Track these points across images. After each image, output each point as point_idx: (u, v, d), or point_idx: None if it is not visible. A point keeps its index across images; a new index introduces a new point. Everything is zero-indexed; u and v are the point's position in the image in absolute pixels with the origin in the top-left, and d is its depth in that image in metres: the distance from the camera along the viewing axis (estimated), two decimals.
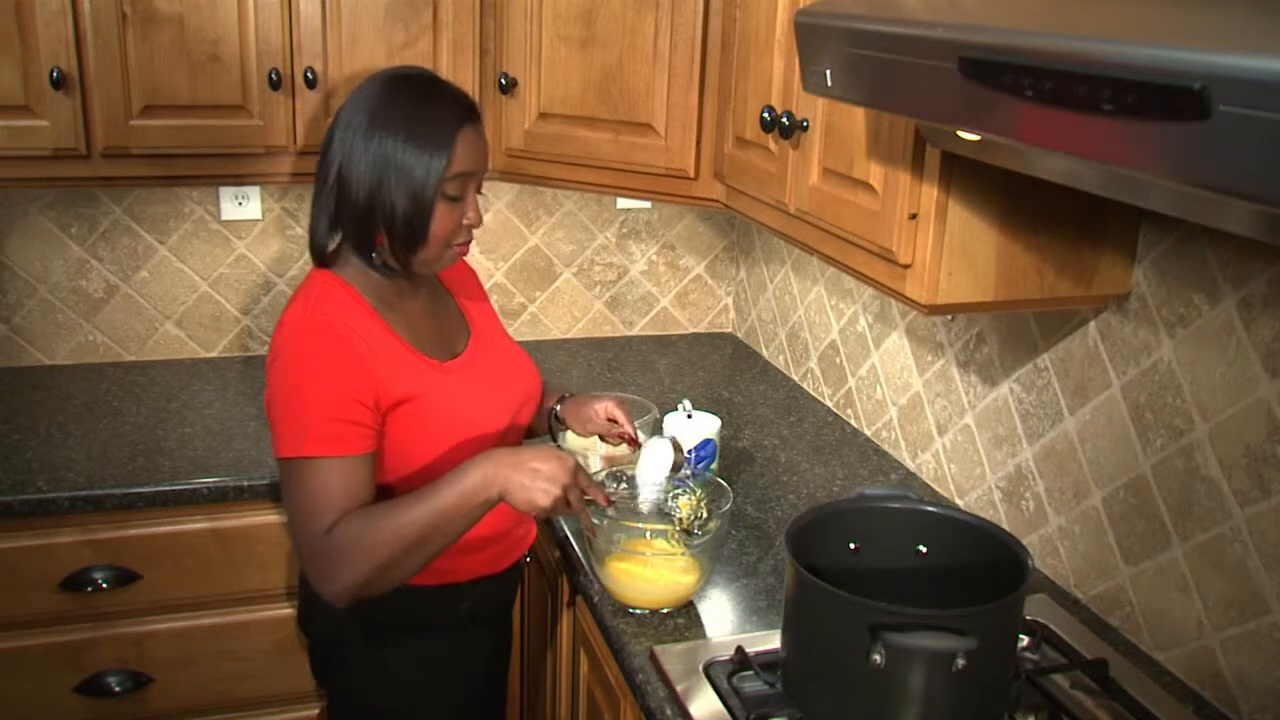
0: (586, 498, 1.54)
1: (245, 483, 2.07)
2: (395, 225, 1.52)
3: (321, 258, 1.60)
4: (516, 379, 1.77)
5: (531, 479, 1.47)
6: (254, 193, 2.60)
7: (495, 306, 2.80)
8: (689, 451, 1.95)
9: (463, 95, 1.59)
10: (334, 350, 1.50)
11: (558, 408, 1.85)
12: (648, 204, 2.86)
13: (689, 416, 1.97)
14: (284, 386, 1.51)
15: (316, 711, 2.26)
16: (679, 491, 1.87)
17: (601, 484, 1.79)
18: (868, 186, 1.59)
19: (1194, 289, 1.51)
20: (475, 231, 1.63)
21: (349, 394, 1.50)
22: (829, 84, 1.30)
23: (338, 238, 1.60)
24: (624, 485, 1.83)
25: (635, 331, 2.99)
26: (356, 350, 1.52)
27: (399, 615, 1.67)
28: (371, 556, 1.44)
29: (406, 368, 1.58)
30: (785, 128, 1.77)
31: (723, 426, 2.03)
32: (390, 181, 1.50)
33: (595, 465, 1.96)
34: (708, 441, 1.96)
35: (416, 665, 1.71)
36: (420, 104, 1.53)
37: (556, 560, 1.97)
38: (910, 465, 2.21)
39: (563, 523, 1.93)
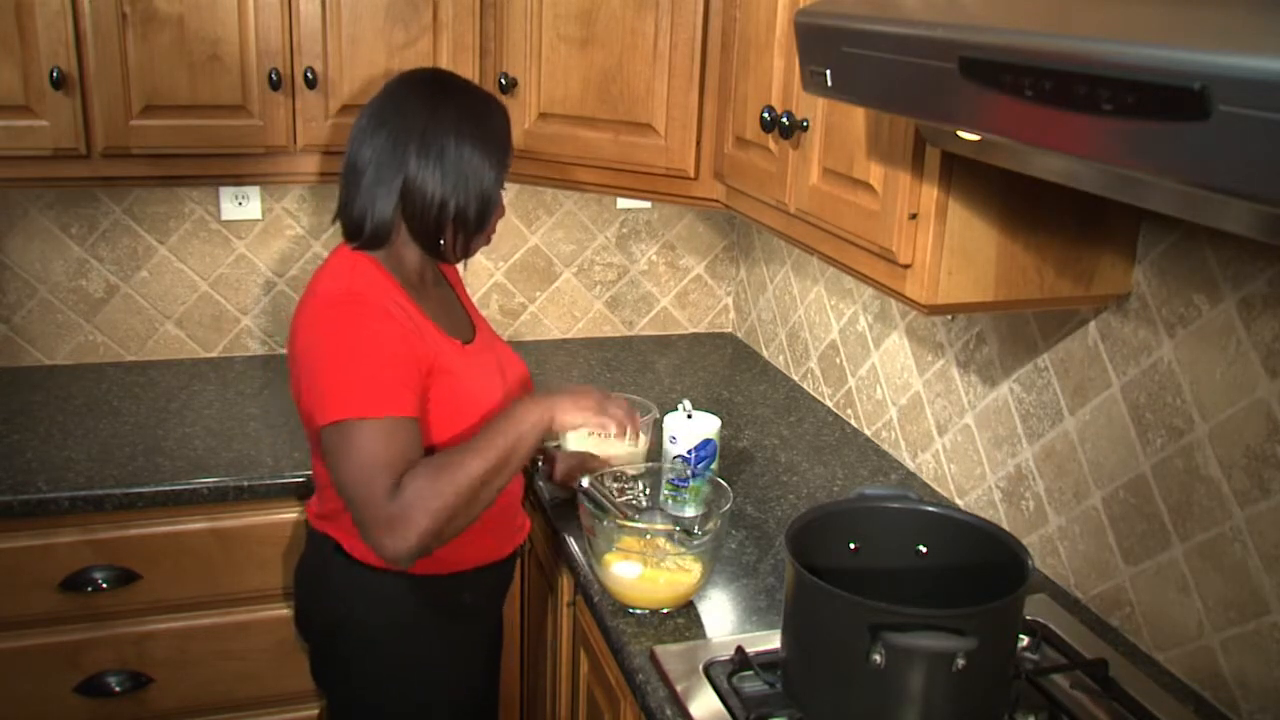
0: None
1: (245, 483, 2.07)
2: (468, 219, 1.66)
3: (379, 242, 1.66)
4: (513, 371, 1.84)
5: (573, 395, 1.65)
6: (254, 193, 2.60)
7: (495, 306, 2.83)
8: (689, 451, 1.95)
9: (490, 93, 1.73)
10: (381, 317, 1.56)
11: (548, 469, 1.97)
12: (648, 204, 2.86)
13: (689, 416, 1.97)
14: (330, 352, 1.54)
15: (316, 711, 2.26)
16: (682, 489, 1.87)
17: (603, 483, 1.80)
18: (868, 186, 1.59)
19: (1194, 289, 1.51)
20: None
21: (398, 357, 1.55)
22: (829, 84, 1.29)
23: (401, 229, 1.67)
24: (624, 485, 1.84)
25: (635, 331, 2.99)
26: (399, 318, 1.58)
27: (401, 610, 1.68)
28: (444, 503, 1.48)
29: (437, 344, 1.64)
30: (785, 128, 1.76)
31: (723, 426, 2.02)
32: (468, 185, 1.63)
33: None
34: (708, 441, 1.96)
35: (417, 663, 1.72)
36: (478, 108, 1.67)
37: (556, 559, 1.97)
38: (910, 465, 2.21)
39: (563, 522, 1.93)
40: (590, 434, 1.91)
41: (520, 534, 1.85)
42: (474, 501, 1.52)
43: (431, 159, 1.61)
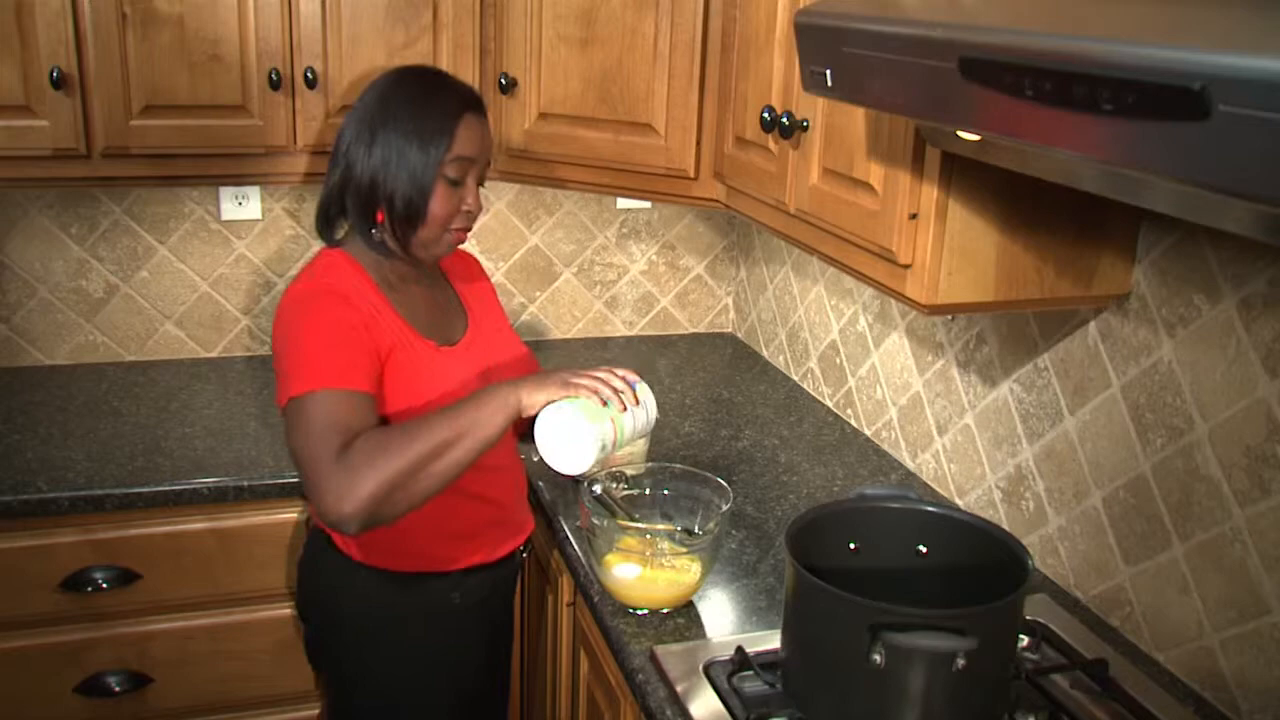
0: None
1: (245, 483, 2.07)
2: (395, 204, 1.60)
3: (327, 237, 1.68)
4: (512, 374, 1.76)
5: (539, 380, 1.53)
6: (254, 193, 2.60)
7: None
8: None
9: (467, 87, 1.69)
10: (337, 304, 1.57)
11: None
12: (648, 204, 2.86)
13: None
14: (288, 338, 1.56)
15: (316, 711, 2.26)
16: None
17: (601, 483, 1.80)
18: (868, 186, 1.59)
19: (1194, 289, 1.51)
20: (476, 230, 1.66)
21: (352, 339, 1.55)
22: (829, 84, 1.30)
23: (344, 221, 1.68)
24: (624, 485, 1.84)
25: (635, 331, 2.99)
26: (358, 306, 1.59)
27: (388, 605, 1.70)
28: (389, 470, 1.42)
29: (401, 337, 1.63)
30: (785, 128, 1.76)
31: (723, 427, 2.01)
32: (393, 162, 1.59)
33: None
34: None
35: (407, 655, 1.74)
36: (426, 91, 1.64)
37: (556, 560, 1.97)
38: (910, 465, 2.21)
39: (563, 521, 1.93)
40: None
41: (518, 536, 1.83)
42: (421, 475, 1.45)
43: (363, 140, 1.61)
